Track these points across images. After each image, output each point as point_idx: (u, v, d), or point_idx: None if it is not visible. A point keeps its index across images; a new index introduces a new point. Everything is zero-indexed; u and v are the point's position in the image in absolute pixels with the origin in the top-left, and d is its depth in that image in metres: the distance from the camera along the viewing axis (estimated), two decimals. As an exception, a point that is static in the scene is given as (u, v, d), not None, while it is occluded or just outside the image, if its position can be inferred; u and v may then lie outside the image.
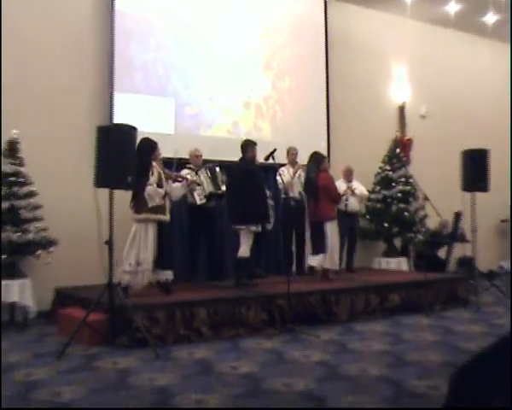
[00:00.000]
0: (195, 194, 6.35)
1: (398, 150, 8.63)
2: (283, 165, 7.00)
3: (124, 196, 5.21)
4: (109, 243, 4.52)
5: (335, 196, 6.41)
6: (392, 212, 8.21)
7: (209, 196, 6.40)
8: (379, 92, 9.09)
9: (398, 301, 6.02)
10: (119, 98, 6.71)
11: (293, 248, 7.02)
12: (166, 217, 5.37)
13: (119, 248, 4.93)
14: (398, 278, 6.66)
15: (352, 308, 5.72)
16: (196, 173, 6.44)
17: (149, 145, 5.35)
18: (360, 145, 8.60)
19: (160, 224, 5.30)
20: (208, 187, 6.40)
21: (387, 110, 9.17)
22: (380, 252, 8.46)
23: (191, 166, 6.58)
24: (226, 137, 7.43)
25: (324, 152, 8.24)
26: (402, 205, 8.23)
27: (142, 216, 5.23)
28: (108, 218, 4.57)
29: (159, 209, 5.27)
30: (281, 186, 6.81)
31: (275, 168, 6.86)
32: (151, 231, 5.22)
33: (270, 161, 5.73)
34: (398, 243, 8.51)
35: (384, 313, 5.88)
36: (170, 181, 5.61)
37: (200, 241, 6.57)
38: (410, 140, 9.18)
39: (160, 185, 5.35)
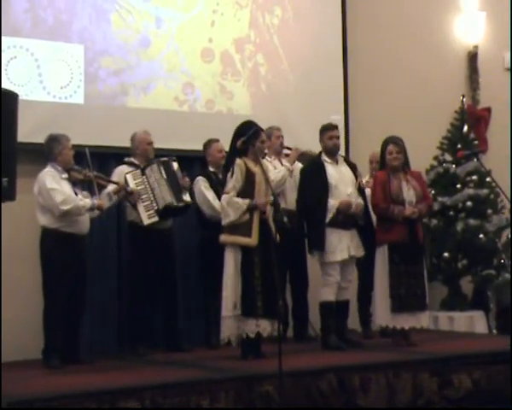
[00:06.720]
0: (141, 207, 6.46)
1: (465, 128, 8.78)
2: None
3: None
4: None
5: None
6: (458, 233, 8.30)
7: (164, 212, 6.50)
8: (432, 31, 9.19)
9: (469, 387, 5.96)
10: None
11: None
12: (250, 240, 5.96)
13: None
14: (468, 347, 6.70)
15: (391, 398, 5.67)
16: (143, 173, 6.57)
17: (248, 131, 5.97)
18: (399, 120, 8.54)
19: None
20: (163, 196, 6.52)
21: (447, 60, 9.32)
22: (437, 301, 8.49)
23: (133, 159, 6.69)
24: (174, 109, 7.61)
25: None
26: (473, 221, 8.32)
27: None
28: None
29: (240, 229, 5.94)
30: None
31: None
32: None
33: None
34: (467, 285, 8.62)
35: (445, 407, 5.86)
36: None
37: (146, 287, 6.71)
38: (486, 111, 9.37)
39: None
